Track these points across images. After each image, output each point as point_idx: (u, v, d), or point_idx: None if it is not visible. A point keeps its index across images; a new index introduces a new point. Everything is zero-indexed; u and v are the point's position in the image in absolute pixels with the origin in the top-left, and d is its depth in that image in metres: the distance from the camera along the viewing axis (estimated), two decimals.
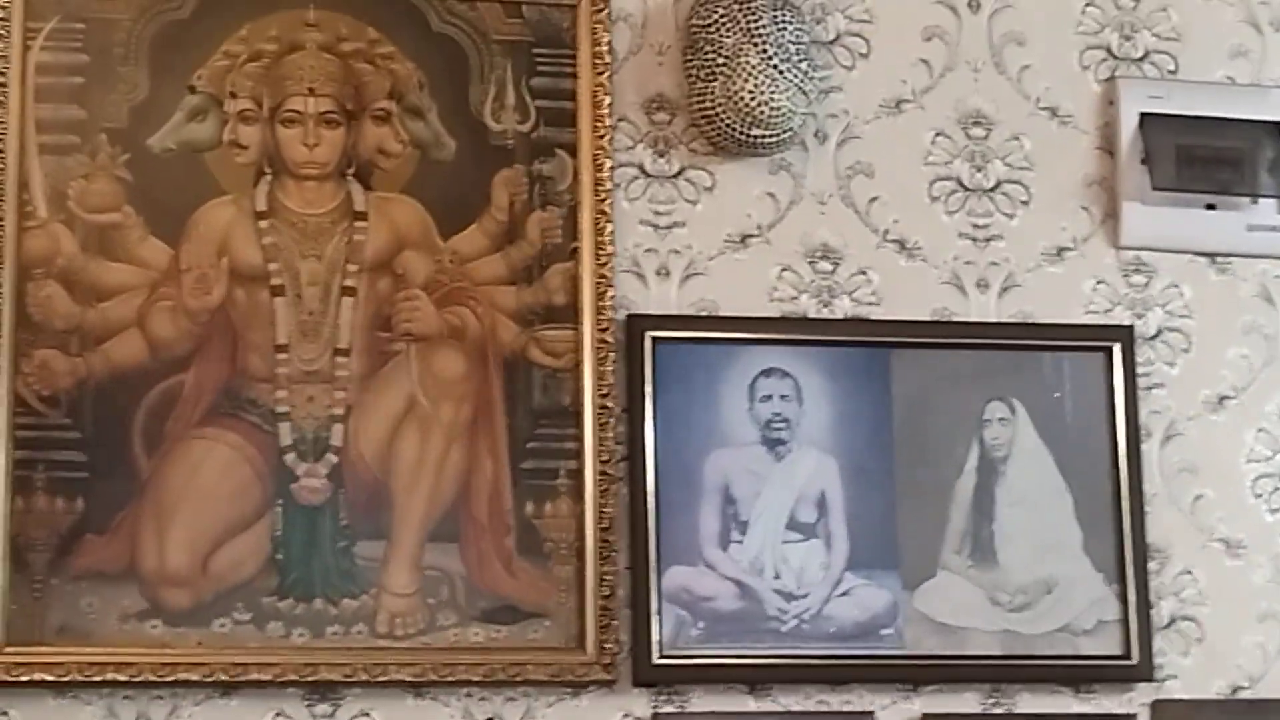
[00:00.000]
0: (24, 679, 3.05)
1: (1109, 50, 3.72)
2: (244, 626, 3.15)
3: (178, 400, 3.20)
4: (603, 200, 3.39)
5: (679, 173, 3.45)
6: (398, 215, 3.32)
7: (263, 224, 3.29)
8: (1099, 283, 3.61)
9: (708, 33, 3.41)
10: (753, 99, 3.37)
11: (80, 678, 3.10)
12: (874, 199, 3.56)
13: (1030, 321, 3.56)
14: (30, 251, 3.16)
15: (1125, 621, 3.42)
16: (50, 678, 3.06)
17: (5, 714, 3.11)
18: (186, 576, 3.13)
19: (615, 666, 3.23)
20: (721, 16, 3.40)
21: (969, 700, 3.37)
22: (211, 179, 3.28)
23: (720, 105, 3.40)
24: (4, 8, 3.28)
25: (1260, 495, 3.60)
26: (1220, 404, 3.60)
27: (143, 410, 3.18)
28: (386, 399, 3.27)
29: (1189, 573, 3.52)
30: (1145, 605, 3.46)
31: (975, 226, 3.59)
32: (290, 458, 3.21)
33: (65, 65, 3.28)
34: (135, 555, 3.13)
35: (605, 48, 3.48)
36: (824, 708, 3.32)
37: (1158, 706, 3.42)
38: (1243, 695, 3.52)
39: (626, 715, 3.25)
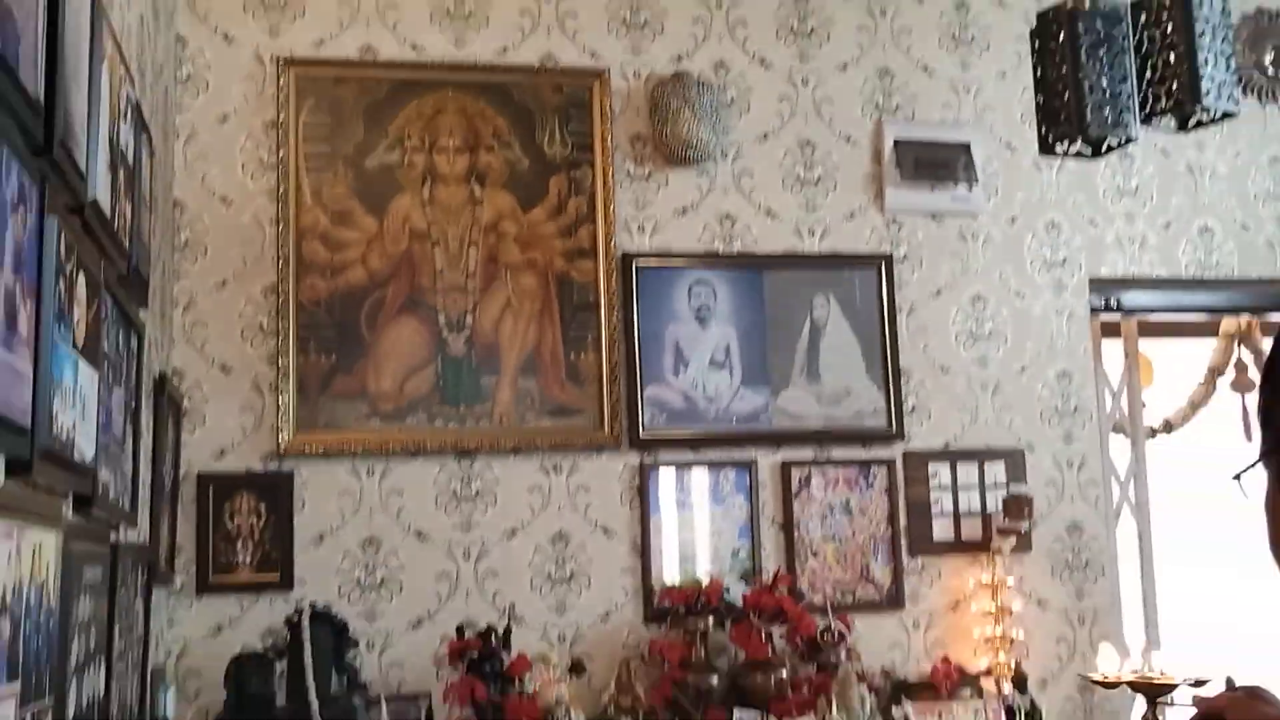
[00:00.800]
0: (306, 451, 3.53)
1: (877, 105, 4.03)
2: (423, 420, 3.61)
3: (383, 302, 3.64)
4: (609, 192, 3.79)
5: (649, 176, 3.85)
6: (499, 202, 3.74)
7: (426, 207, 3.71)
8: (873, 231, 3.97)
9: (662, 100, 3.83)
10: (688, 134, 3.80)
11: (337, 449, 3.55)
12: (753, 189, 3.92)
13: (837, 253, 3.92)
14: (302, 223, 3.61)
15: (888, 410, 3.86)
16: (321, 449, 3.54)
17: (297, 470, 3.53)
18: (391, 394, 3.60)
19: (620, 438, 3.69)
20: (668, 92, 3.82)
21: (806, 453, 3.81)
22: (398, 183, 3.69)
23: (669, 139, 3.82)
24: (284, 91, 3.65)
25: (961, 343, 3.97)
26: (937, 294, 3.99)
27: (365, 308, 3.62)
28: (496, 299, 3.70)
29: (923, 383, 3.93)
30: (897, 400, 3.87)
31: (808, 202, 3.95)
32: (445, 331, 3.66)
33: (319, 123, 3.68)
34: (364, 384, 3.58)
35: (608, 108, 3.84)
36: (728, 458, 3.76)
37: (906, 455, 3.88)
38: (950, 448, 3.93)
39: (625, 464, 3.70)
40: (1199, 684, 3.01)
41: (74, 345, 1.83)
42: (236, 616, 3.47)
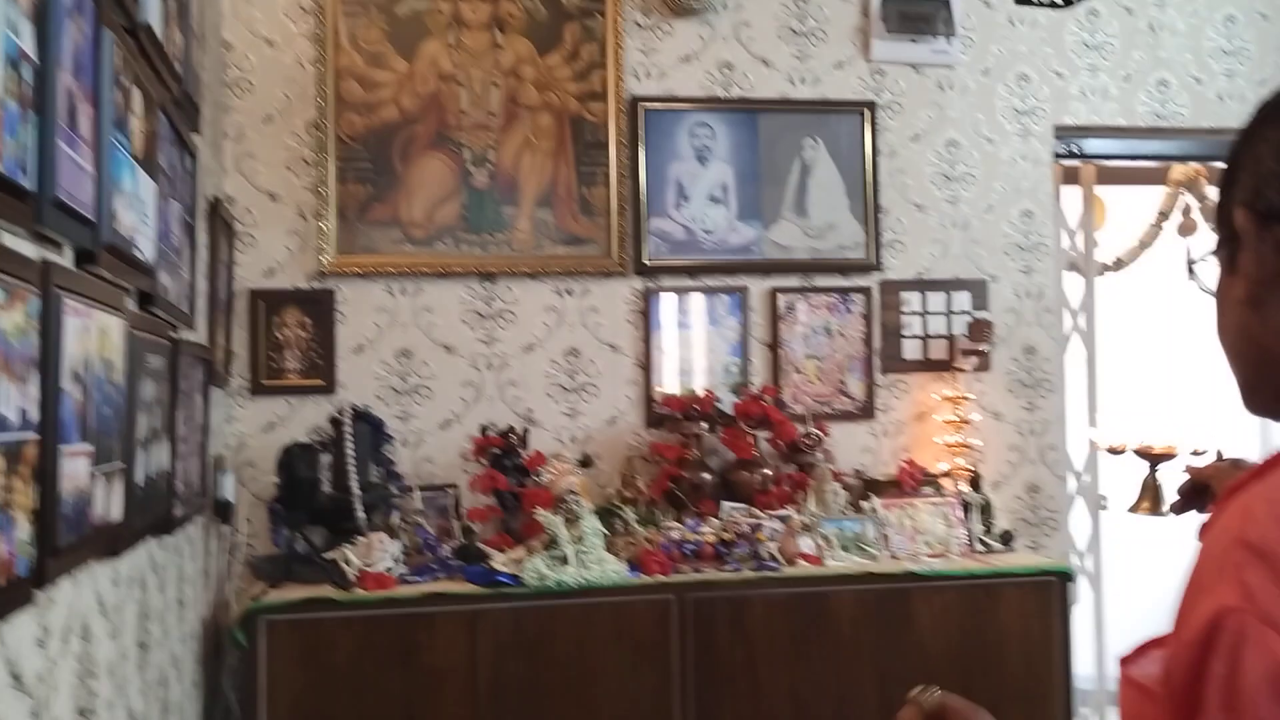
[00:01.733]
0: (346, 271, 3.52)
1: None
2: (449, 246, 3.58)
3: (414, 139, 3.58)
4: (618, 39, 3.71)
5: (655, 25, 3.75)
6: (519, 46, 3.66)
7: (452, 51, 3.62)
8: (859, 80, 3.87)
9: None
10: None
11: (373, 270, 3.53)
12: (750, 39, 3.81)
13: (826, 99, 3.83)
14: (340, 64, 3.53)
15: (867, 243, 3.82)
16: (359, 270, 3.52)
17: (338, 288, 3.51)
18: (421, 222, 3.57)
19: (626, 265, 3.67)
20: None
21: (793, 280, 3.79)
22: (426, 28, 3.60)
23: None
24: None
25: (935, 184, 3.90)
26: (915, 139, 3.90)
27: (398, 143, 3.57)
28: (515, 136, 3.65)
29: (899, 220, 3.87)
30: (876, 235, 3.83)
31: (800, 52, 3.83)
32: (470, 165, 3.61)
33: None
34: (397, 212, 3.55)
35: None
36: (723, 284, 3.73)
37: (882, 284, 3.85)
38: (921, 278, 3.89)
39: (630, 288, 3.69)
40: (1196, 454, 2.99)
41: (132, 154, 1.81)
42: (286, 415, 3.51)
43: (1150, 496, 3.09)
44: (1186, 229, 4.74)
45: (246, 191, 3.52)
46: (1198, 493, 1.70)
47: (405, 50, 3.62)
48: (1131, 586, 4.39)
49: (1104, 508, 4.22)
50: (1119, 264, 4.85)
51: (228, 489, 3.14)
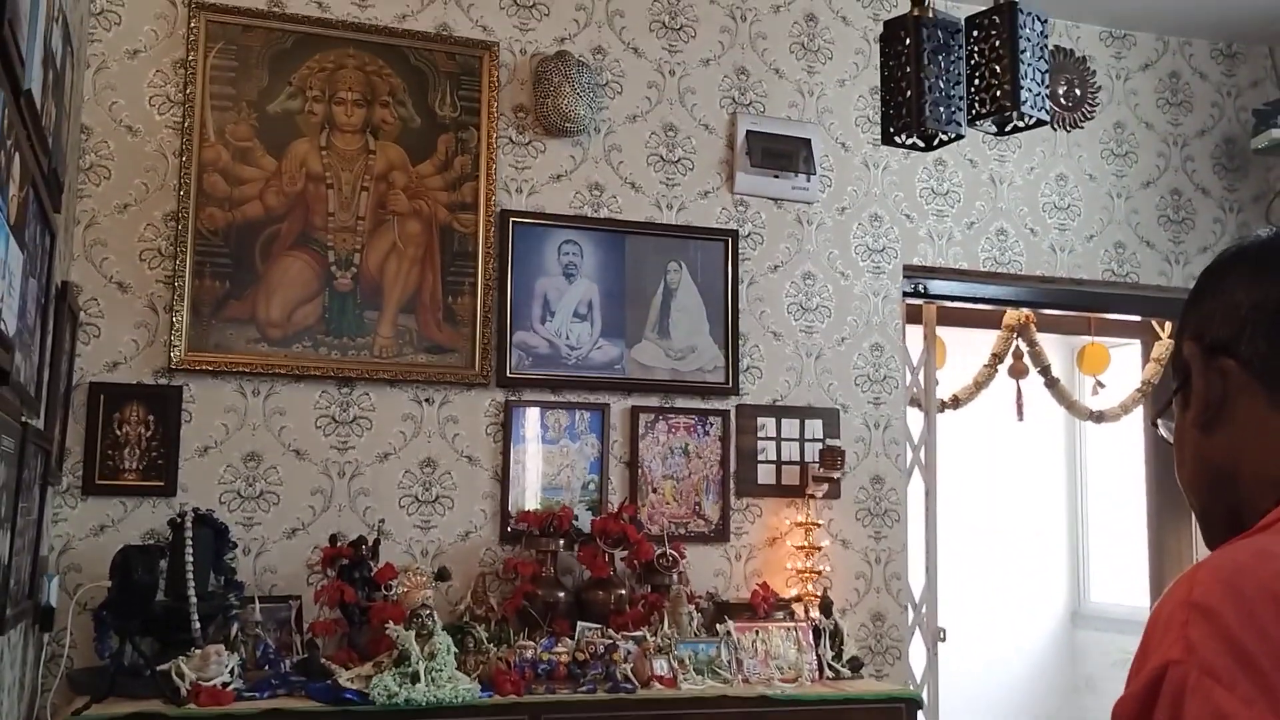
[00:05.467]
0: (196, 368, 3.38)
1: (734, 99, 4.03)
2: (307, 348, 3.49)
3: (278, 237, 3.50)
4: (492, 154, 3.72)
5: (529, 143, 3.79)
6: (391, 154, 3.64)
7: (323, 152, 3.58)
8: (723, 209, 3.97)
9: (544, 75, 3.76)
10: (566, 109, 3.76)
11: (225, 368, 3.41)
12: (620, 163, 3.88)
13: (691, 226, 3.92)
14: (204, 158, 3.44)
15: (726, 366, 3.89)
16: (210, 367, 3.39)
17: (186, 385, 3.37)
18: (280, 322, 3.47)
19: (489, 376, 3.63)
20: (551, 69, 3.76)
21: (654, 400, 3.82)
22: (298, 128, 3.56)
23: (549, 111, 3.77)
24: (194, 33, 3.47)
25: (792, 313, 4.00)
26: (774, 270, 4.01)
27: (260, 241, 3.48)
28: (383, 241, 3.60)
29: (756, 347, 3.95)
30: (735, 359, 3.90)
31: (668, 179, 3.93)
32: (334, 267, 3.54)
33: (226, 66, 3.51)
34: (255, 310, 3.45)
35: (495, 78, 3.76)
36: (585, 401, 3.73)
37: (739, 408, 3.90)
38: (776, 404, 3.96)
39: (491, 400, 3.64)
40: None
41: (5, 220, 1.71)
42: (120, 517, 3.31)
43: None
44: (1017, 371, 4.99)
45: (94, 279, 3.37)
46: None
47: (275, 148, 3.56)
48: (966, 716, 4.47)
49: (942, 640, 4.31)
50: (956, 402, 5.05)
51: (51, 593, 2.92)
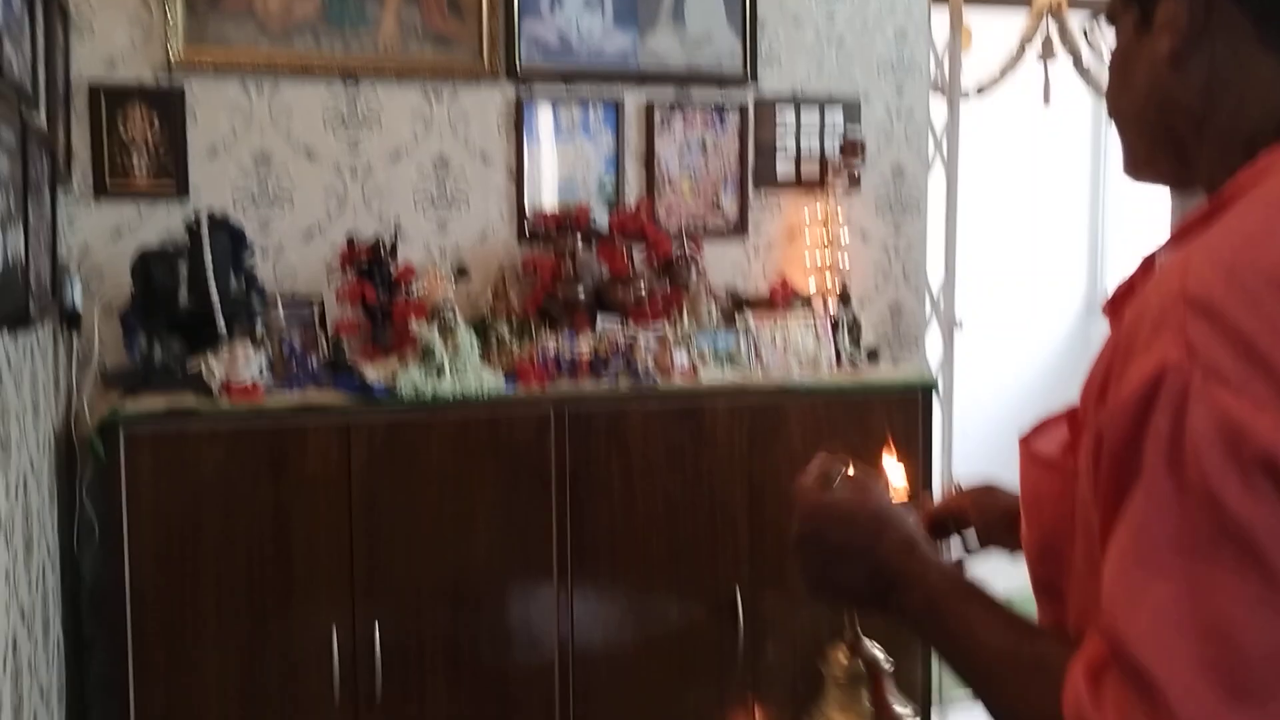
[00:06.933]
0: (196, 65, 3.26)
1: None
2: (308, 42, 3.31)
3: None
4: None
5: None
6: None
7: None
8: None
9: None
10: None
11: (226, 66, 3.29)
12: None
13: None
14: None
15: (744, 54, 3.68)
16: (212, 65, 3.27)
17: (188, 84, 3.26)
18: (277, 15, 3.30)
19: (498, 70, 3.50)
20: None
21: (669, 93, 3.64)
22: None
23: None
24: None
25: None
26: None
27: None
28: None
29: (776, 33, 3.76)
30: (754, 47, 3.70)
31: None
32: None
33: None
34: (251, 3, 3.28)
35: None
36: (598, 95, 3.60)
37: (758, 100, 3.77)
38: (796, 94, 3.80)
39: (503, 95, 3.53)
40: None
41: None
42: (135, 221, 3.29)
43: None
44: (1047, 53, 4.80)
45: None
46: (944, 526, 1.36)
47: None
48: (980, 405, 4.57)
49: (959, 328, 4.34)
50: (980, 89, 4.89)
51: (75, 297, 2.94)
